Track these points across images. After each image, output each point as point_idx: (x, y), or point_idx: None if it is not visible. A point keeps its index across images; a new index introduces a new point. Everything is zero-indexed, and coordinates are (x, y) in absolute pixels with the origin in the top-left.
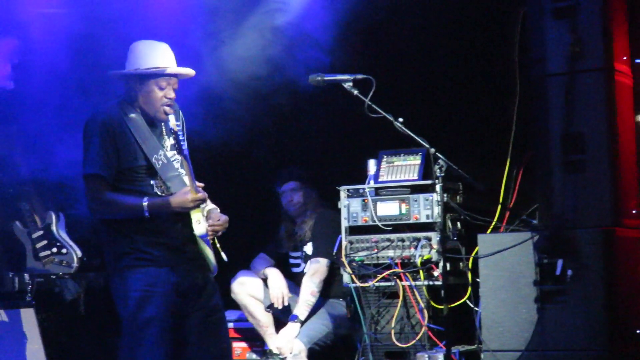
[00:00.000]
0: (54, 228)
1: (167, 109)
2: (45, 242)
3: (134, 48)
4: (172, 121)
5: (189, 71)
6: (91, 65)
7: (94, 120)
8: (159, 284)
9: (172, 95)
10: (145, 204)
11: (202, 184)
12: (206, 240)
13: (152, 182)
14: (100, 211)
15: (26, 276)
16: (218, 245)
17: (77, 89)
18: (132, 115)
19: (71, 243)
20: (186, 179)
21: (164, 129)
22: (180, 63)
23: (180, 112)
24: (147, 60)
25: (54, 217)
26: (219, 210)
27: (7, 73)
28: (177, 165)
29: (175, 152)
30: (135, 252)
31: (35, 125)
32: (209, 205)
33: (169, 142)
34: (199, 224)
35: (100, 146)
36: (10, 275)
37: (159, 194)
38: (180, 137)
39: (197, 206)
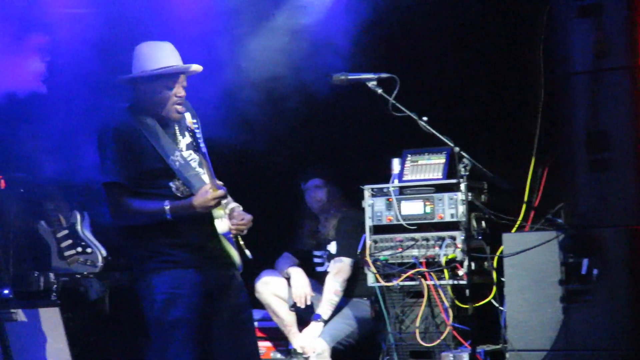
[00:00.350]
0: (78, 227)
1: (178, 107)
2: (70, 241)
3: (138, 50)
4: (189, 119)
5: (196, 67)
6: (116, 67)
7: (106, 129)
8: (184, 285)
9: (182, 93)
10: (167, 207)
11: (221, 182)
12: (229, 238)
13: (170, 184)
14: (123, 218)
15: (51, 275)
16: (242, 243)
17: (103, 90)
18: (144, 118)
19: (96, 242)
20: (205, 178)
21: (177, 129)
22: (197, 64)
23: (193, 110)
24: (153, 61)
25: (78, 216)
26: (241, 208)
27: (40, 72)
28: (194, 164)
29: (191, 151)
30: (158, 254)
31: (62, 126)
32: (231, 203)
33: (184, 141)
34: (222, 222)
35: (116, 154)
36: (36, 275)
37: (179, 195)
38: (197, 135)
39: (219, 204)
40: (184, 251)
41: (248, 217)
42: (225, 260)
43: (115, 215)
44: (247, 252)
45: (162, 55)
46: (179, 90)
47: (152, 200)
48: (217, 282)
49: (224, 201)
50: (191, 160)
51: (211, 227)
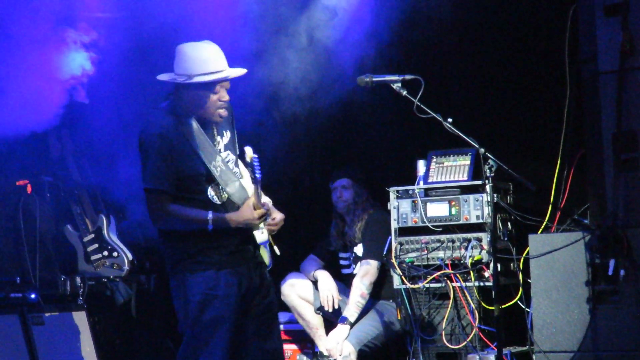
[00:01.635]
0: (105, 231)
1: (221, 111)
2: (96, 245)
3: (183, 51)
4: (250, 153)
5: (241, 72)
6: (145, 67)
7: (150, 134)
8: (219, 286)
9: (226, 97)
10: (209, 218)
11: (267, 199)
12: (266, 246)
13: (208, 189)
14: (163, 224)
15: (78, 279)
16: (272, 241)
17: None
18: (187, 121)
19: (122, 246)
20: (244, 183)
21: (215, 129)
22: (241, 68)
23: (232, 108)
24: (198, 65)
25: (105, 220)
26: (271, 202)
27: (83, 83)
28: (231, 165)
29: (229, 151)
30: (195, 255)
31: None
32: (262, 197)
33: (222, 141)
34: (262, 234)
35: (159, 160)
36: (62, 279)
37: (215, 201)
38: (255, 165)
39: (263, 221)
40: (220, 253)
41: (279, 217)
42: (257, 260)
43: (156, 220)
44: (276, 248)
45: (207, 58)
46: (223, 95)
47: (194, 209)
48: (250, 283)
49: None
50: (229, 162)
51: (247, 232)
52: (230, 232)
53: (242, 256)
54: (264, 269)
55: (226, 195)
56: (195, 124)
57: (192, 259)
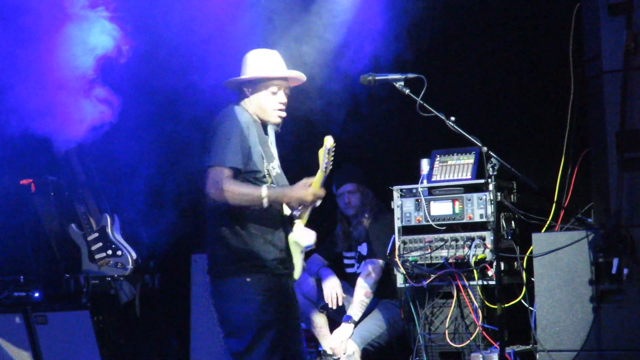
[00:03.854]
0: (109, 230)
1: (280, 113)
2: (100, 244)
3: (247, 58)
4: (330, 142)
5: (298, 74)
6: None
7: (233, 117)
8: (273, 291)
9: (284, 100)
10: (264, 194)
11: None
12: (303, 251)
13: (263, 186)
14: (218, 196)
15: (82, 278)
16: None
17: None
18: (254, 121)
19: (126, 245)
20: None
21: (272, 140)
22: (299, 72)
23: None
24: (258, 67)
25: (109, 219)
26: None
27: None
28: (281, 172)
29: (277, 159)
30: (250, 258)
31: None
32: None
33: (275, 151)
34: (308, 238)
35: (233, 141)
36: (66, 278)
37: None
38: (332, 155)
39: (315, 201)
40: (271, 259)
41: (312, 234)
42: (292, 269)
43: (213, 192)
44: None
45: (266, 61)
46: (282, 97)
47: (250, 184)
48: (289, 291)
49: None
50: (279, 168)
51: (286, 238)
52: (277, 236)
53: (286, 264)
54: (293, 277)
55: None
56: (259, 126)
57: (247, 262)
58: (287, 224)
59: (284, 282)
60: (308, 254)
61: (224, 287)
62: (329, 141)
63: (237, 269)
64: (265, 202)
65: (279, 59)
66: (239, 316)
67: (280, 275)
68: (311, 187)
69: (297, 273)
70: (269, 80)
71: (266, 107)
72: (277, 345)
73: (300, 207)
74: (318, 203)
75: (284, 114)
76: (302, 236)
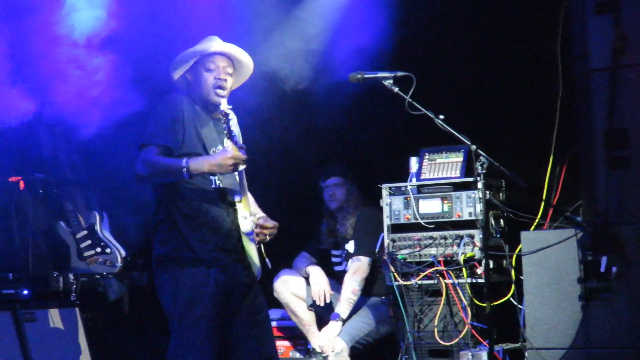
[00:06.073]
0: (97, 228)
1: (218, 90)
2: (89, 242)
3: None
4: (224, 105)
5: (231, 48)
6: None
7: (167, 100)
8: (208, 283)
9: (222, 76)
10: (184, 166)
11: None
12: (252, 238)
13: (211, 177)
14: (142, 170)
15: (70, 276)
16: (263, 251)
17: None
18: (196, 106)
19: (115, 243)
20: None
21: (221, 121)
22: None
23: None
24: (193, 50)
25: (97, 217)
26: (269, 219)
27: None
28: None
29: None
30: (186, 251)
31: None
32: (259, 213)
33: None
34: (245, 220)
35: (166, 120)
36: (55, 275)
37: (207, 185)
38: (230, 117)
39: (236, 166)
40: (211, 250)
41: (272, 223)
42: (247, 261)
43: (138, 170)
44: (267, 261)
45: (202, 44)
46: (218, 73)
47: (173, 158)
48: (239, 282)
49: (241, 167)
50: None
51: (235, 227)
52: (219, 224)
53: (232, 256)
54: (254, 270)
55: (219, 182)
56: (202, 111)
57: (184, 255)
58: (236, 212)
59: (232, 272)
60: (297, 251)
61: (157, 279)
62: (222, 104)
63: (167, 261)
64: (184, 172)
65: (215, 37)
66: (166, 312)
67: (226, 266)
68: (230, 151)
69: (254, 262)
70: (205, 58)
71: (203, 84)
72: (209, 342)
73: (224, 173)
74: (241, 167)
75: (223, 92)
76: (240, 223)
